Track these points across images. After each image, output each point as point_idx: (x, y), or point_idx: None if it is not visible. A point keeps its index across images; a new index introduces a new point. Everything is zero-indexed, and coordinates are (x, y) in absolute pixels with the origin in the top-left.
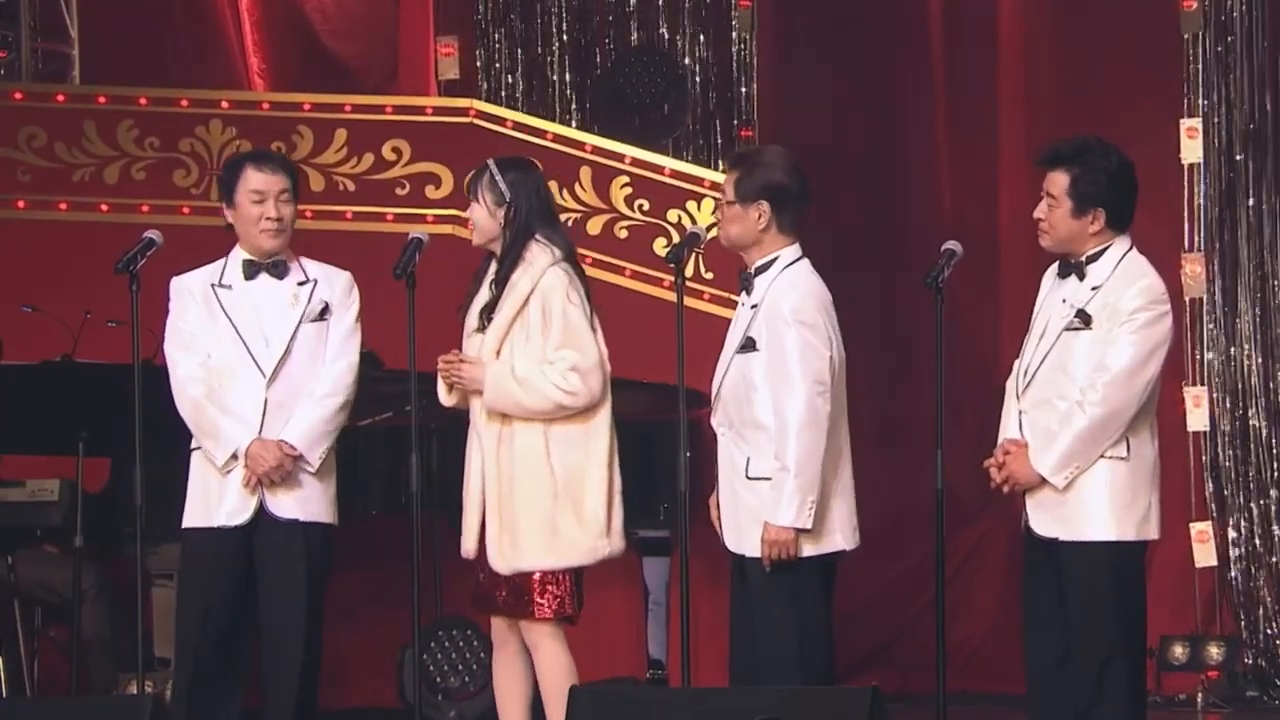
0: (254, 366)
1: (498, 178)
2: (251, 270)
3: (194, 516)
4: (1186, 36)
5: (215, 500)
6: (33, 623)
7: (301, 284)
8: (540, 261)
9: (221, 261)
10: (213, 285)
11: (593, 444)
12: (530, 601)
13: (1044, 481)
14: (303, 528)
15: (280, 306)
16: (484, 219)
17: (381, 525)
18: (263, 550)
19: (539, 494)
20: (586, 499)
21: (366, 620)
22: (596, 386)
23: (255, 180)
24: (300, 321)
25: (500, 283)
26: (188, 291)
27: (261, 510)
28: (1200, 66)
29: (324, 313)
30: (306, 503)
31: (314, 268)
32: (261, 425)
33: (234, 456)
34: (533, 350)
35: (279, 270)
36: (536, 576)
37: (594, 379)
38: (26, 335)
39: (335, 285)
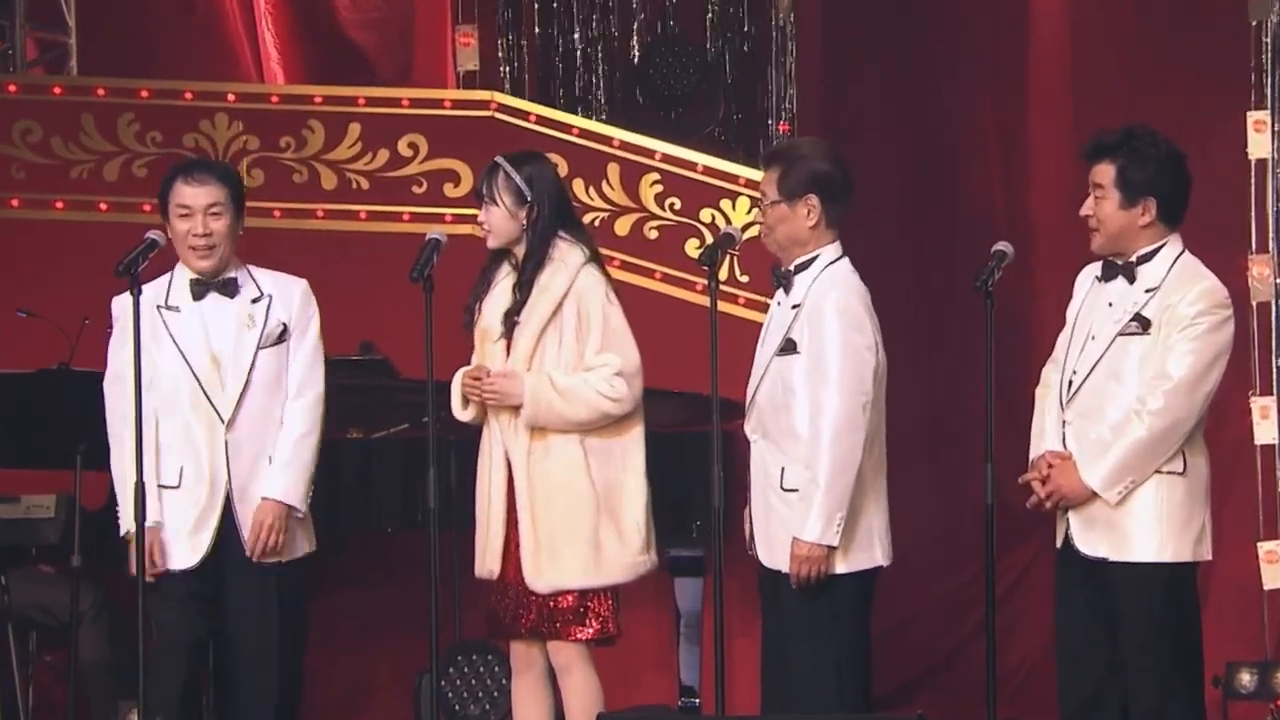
0: (210, 409)
1: (514, 176)
2: (199, 290)
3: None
4: (1254, 24)
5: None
6: (28, 646)
7: (255, 301)
8: (572, 260)
9: (167, 277)
10: (158, 307)
11: (629, 454)
12: (568, 622)
13: (1093, 496)
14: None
15: (234, 331)
16: (502, 221)
17: (398, 543)
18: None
19: (581, 508)
20: (625, 513)
21: (382, 644)
22: (639, 391)
23: (181, 194)
24: (257, 348)
25: (525, 286)
26: (130, 315)
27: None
28: (1270, 55)
29: (283, 335)
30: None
31: (266, 279)
32: (228, 469)
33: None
34: (566, 356)
35: (229, 288)
36: (575, 596)
37: (637, 383)
38: (21, 342)
39: (292, 300)
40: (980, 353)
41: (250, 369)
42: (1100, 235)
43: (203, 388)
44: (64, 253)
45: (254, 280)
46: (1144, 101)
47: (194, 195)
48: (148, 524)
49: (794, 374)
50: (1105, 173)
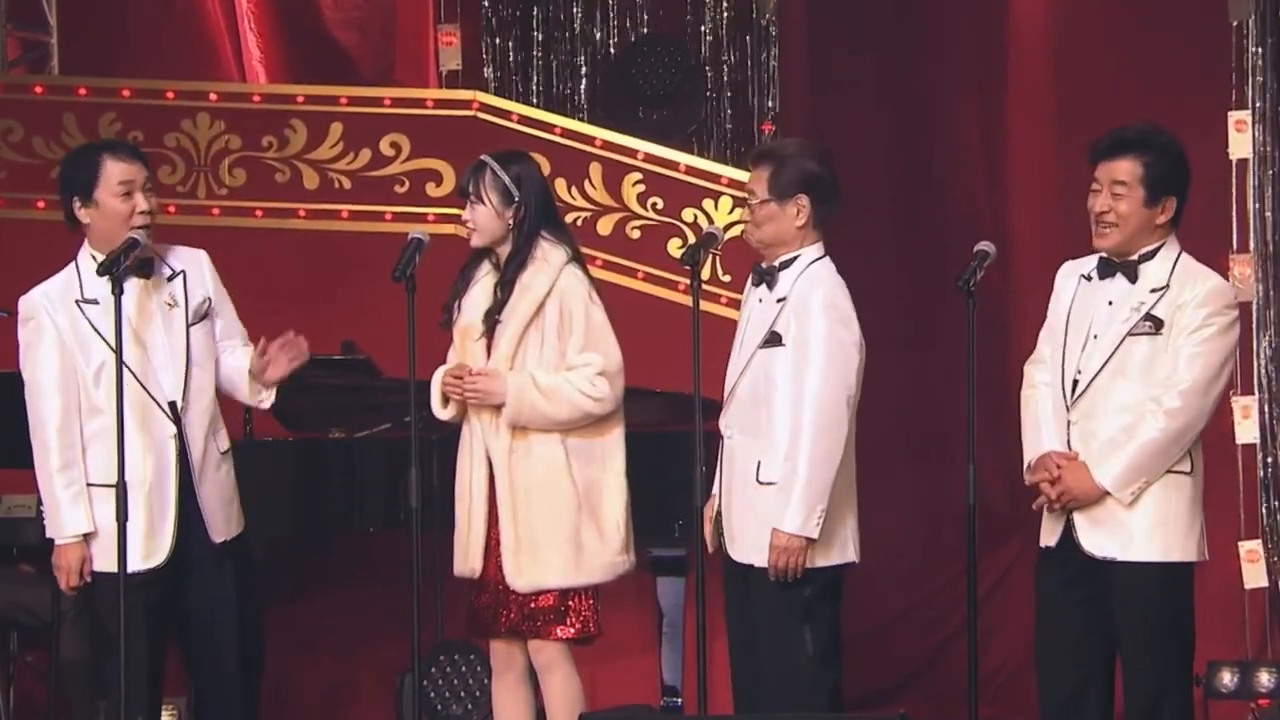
0: (150, 401)
1: (503, 175)
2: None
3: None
4: (1235, 24)
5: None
6: (8, 647)
7: (171, 279)
8: (554, 260)
9: (71, 270)
10: (77, 302)
11: (610, 454)
12: (549, 621)
13: (1104, 496)
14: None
15: (160, 314)
16: (489, 220)
17: (380, 543)
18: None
19: (562, 507)
20: (606, 512)
21: (364, 644)
22: (620, 391)
23: (119, 171)
24: (188, 331)
25: (507, 285)
26: (46, 315)
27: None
28: (1250, 55)
29: (208, 310)
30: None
31: (172, 256)
32: (187, 460)
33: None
34: (548, 355)
35: (146, 270)
36: (555, 595)
37: (619, 383)
38: (1, 341)
39: (203, 273)
40: (963, 353)
41: (187, 348)
42: (1117, 232)
43: (139, 380)
44: (44, 253)
45: (163, 258)
46: (1126, 102)
47: (133, 171)
48: (77, 536)
49: (777, 367)
50: (1128, 169)
